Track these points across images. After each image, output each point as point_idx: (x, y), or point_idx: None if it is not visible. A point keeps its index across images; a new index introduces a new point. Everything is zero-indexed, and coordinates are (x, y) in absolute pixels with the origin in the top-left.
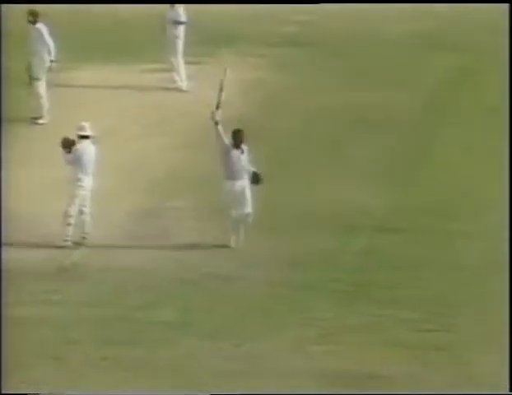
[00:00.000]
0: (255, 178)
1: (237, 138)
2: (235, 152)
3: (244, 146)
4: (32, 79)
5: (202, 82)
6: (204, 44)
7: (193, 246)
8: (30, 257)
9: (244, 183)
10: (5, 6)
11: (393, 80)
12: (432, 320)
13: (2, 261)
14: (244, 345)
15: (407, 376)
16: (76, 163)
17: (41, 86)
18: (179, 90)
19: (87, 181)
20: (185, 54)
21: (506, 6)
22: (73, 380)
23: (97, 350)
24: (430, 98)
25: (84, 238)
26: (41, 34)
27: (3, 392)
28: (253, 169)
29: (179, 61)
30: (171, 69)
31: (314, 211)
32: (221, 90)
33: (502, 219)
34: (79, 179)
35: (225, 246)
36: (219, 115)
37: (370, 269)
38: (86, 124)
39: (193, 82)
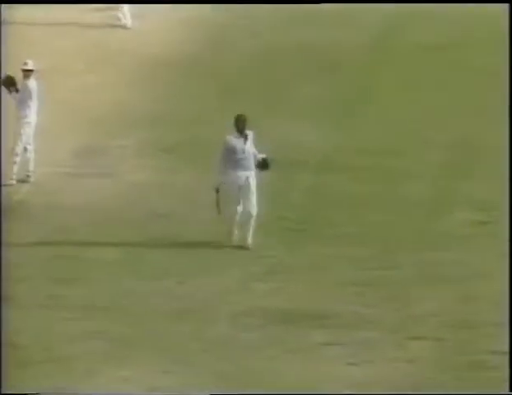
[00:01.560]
0: (263, 164)
1: (240, 124)
2: (237, 141)
3: (248, 132)
4: None
5: (146, 20)
6: None
7: (136, 184)
8: None
9: (248, 174)
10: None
11: (339, 21)
12: (377, 258)
13: None
14: (188, 283)
15: (353, 314)
16: (25, 100)
17: None
18: (123, 27)
19: (32, 118)
20: None
21: (506, 6)
22: (19, 319)
23: (42, 289)
24: (374, 39)
25: (28, 176)
26: None
27: (3, 392)
28: (261, 155)
29: None
30: (115, 7)
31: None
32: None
33: (443, 157)
34: (25, 116)
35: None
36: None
37: (315, 207)
38: (29, 61)
39: (137, 20)
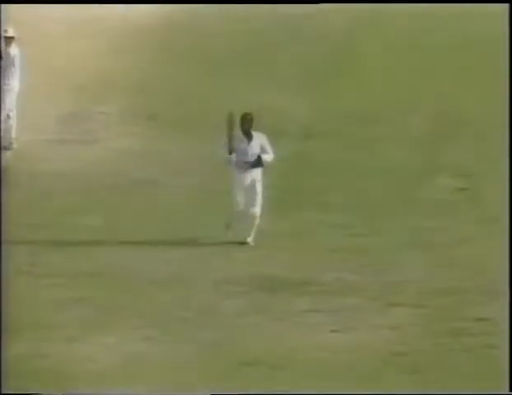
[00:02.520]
0: (256, 163)
1: (245, 123)
2: (240, 141)
3: (257, 134)
4: None
5: None
6: None
7: (120, 151)
8: None
9: (254, 175)
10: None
11: None
12: (360, 224)
13: None
14: (171, 250)
15: (336, 281)
16: (7, 67)
17: None
18: None
19: (15, 85)
20: None
21: (506, 6)
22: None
23: (25, 256)
24: (360, 9)
25: (11, 143)
26: None
27: (3, 392)
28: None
29: None
30: None
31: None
32: (230, 136)
33: (425, 123)
34: (8, 83)
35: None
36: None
37: (298, 174)
38: (10, 28)
39: None
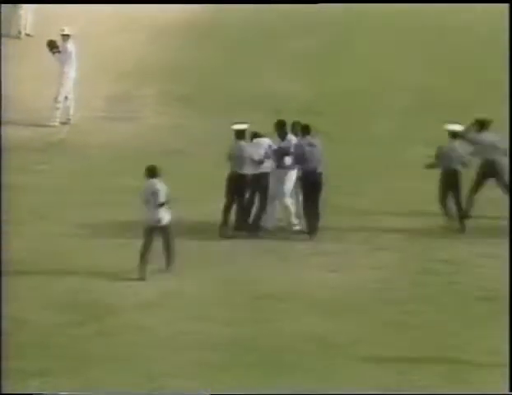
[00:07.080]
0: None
1: (279, 128)
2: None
3: (291, 137)
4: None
5: None
6: None
7: (156, 126)
8: (25, 134)
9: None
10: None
11: None
12: (348, 185)
13: (3, 136)
14: (196, 207)
15: (332, 230)
16: (65, 59)
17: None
18: None
19: (72, 73)
20: None
21: (506, 6)
22: (53, 239)
23: (74, 211)
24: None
25: (69, 119)
26: None
27: (3, 392)
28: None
29: None
30: None
31: (247, 96)
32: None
33: (416, 100)
34: (67, 72)
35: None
36: None
37: None
38: (66, 27)
39: None
